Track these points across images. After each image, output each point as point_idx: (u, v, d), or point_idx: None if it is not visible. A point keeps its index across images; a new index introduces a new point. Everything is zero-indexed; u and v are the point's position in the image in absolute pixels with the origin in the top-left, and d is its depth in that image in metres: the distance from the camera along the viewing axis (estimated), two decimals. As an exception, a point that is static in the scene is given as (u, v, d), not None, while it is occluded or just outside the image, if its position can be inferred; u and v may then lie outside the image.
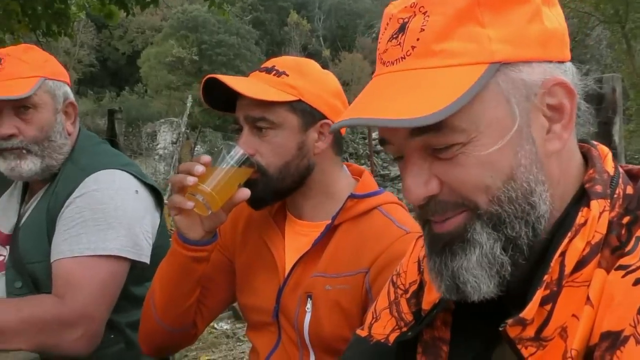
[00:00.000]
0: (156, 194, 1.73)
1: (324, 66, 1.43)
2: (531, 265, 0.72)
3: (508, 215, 0.70)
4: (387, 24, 0.75)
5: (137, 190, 1.65)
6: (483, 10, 0.69)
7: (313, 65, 1.40)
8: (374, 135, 11.24)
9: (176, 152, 13.77)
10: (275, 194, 1.34)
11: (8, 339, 1.43)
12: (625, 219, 0.70)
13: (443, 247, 0.74)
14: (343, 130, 1.38)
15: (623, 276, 0.65)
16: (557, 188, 0.73)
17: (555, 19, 0.74)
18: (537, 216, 0.71)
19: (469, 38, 0.69)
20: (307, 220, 1.39)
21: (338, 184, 1.39)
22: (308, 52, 36.29)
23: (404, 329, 0.89)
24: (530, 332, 0.69)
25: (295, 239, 1.38)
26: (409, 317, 0.89)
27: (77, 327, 1.47)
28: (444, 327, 0.84)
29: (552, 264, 0.69)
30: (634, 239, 0.68)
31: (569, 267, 0.69)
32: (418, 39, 0.71)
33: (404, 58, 0.72)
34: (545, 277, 0.68)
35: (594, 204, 0.71)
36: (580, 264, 0.69)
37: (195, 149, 14.51)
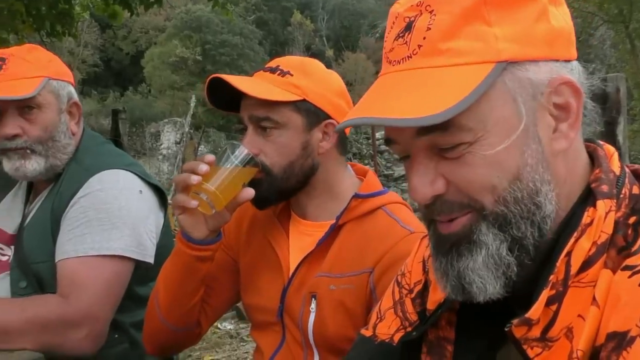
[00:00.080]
0: (160, 194, 1.73)
1: (328, 66, 1.43)
2: (537, 265, 0.72)
3: (514, 215, 0.70)
4: (393, 23, 0.75)
5: (141, 190, 1.65)
6: (490, 9, 0.69)
7: (317, 64, 1.39)
8: (378, 135, 11.24)
9: (180, 152, 13.77)
10: (280, 193, 1.34)
11: (13, 338, 1.43)
12: (632, 219, 0.70)
13: (450, 247, 0.73)
14: (347, 130, 1.38)
15: (629, 276, 0.65)
16: (563, 188, 0.73)
17: (562, 18, 0.74)
18: (543, 216, 0.70)
19: (476, 37, 0.69)
20: (311, 220, 1.39)
21: (342, 184, 1.39)
22: (311, 52, 36.32)
23: (409, 329, 0.89)
24: (536, 332, 0.69)
25: (300, 239, 1.38)
26: (413, 317, 0.89)
27: (81, 327, 1.47)
28: (448, 327, 0.84)
29: (558, 264, 0.68)
30: None
31: (574, 267, 0.68)
32: (424, 38, 0.70)
33: (411, 57, 0.71)
34: (551, 277, 0.68)
35: (600, 203, 0.70)
36: (586, 264, 0.68)
37: (199, 149, 14.50)
